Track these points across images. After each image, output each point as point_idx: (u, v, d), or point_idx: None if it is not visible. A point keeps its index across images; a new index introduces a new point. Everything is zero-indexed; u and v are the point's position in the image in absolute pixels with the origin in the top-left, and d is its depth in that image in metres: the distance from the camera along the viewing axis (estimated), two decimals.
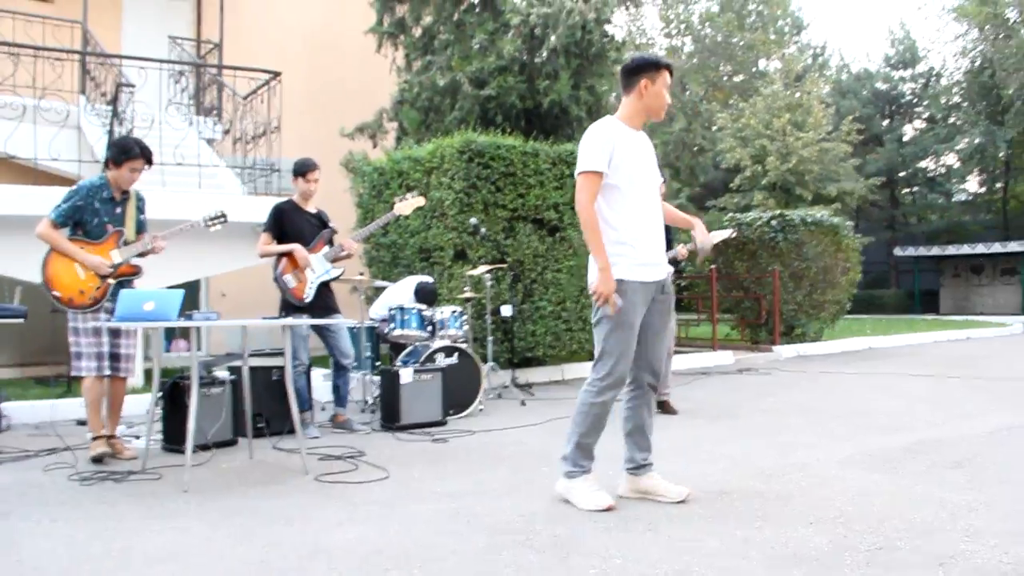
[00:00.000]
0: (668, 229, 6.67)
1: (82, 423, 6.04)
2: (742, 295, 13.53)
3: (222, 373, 5.73)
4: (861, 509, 3.70)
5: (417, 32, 12.15)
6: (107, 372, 4.97)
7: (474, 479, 4.45)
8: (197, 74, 11.43)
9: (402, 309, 6.97)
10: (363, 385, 7.21)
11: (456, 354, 6.78)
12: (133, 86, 8.93)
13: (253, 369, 5.98)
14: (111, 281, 4.95)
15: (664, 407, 6.67)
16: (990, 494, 3.94)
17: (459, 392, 6.68)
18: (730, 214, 14.11)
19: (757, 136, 22.32)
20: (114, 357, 5.05)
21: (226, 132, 10.88)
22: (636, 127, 3.95)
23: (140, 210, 5.17)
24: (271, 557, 3.15)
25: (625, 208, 3.81)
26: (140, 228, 5.14)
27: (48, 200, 6.70)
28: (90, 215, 4.90)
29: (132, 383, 6.13)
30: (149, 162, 5.06)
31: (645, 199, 3.88)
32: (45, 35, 11.17)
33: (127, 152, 4.94)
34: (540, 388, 8.56)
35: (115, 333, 4.98)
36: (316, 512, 3.82)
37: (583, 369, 9.79)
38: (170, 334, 10.97)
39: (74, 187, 4.93)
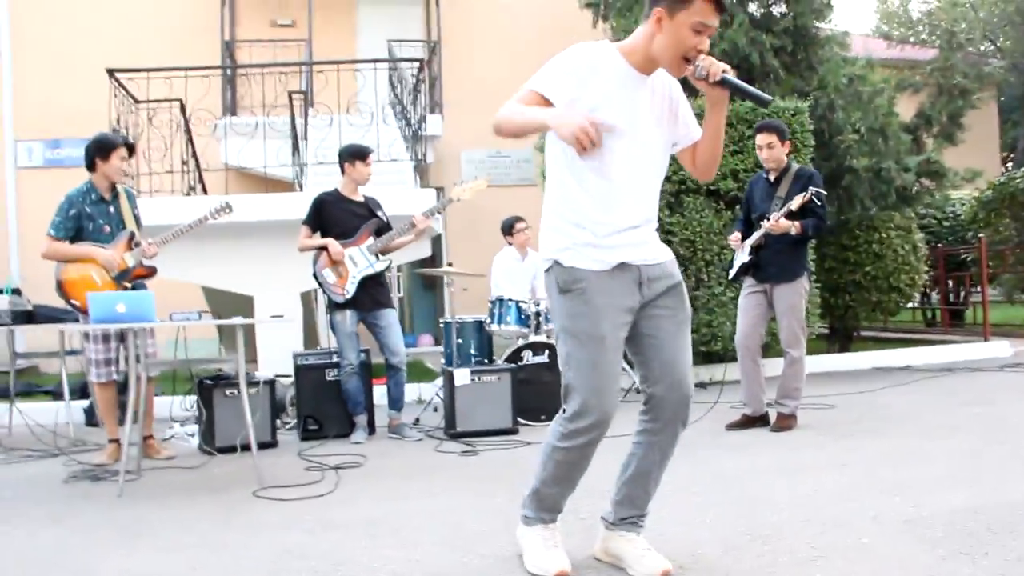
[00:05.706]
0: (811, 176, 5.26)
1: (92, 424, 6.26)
2: None
3: (260, 373, 5.53)
4: None
5: None
6: (115, 377, 4.95)
7: (421, 503, 3.75)
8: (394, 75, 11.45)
9: (500, 301, 6.32)
10: None
11: (547, 351, 5.98)
12: (304, 92, 9.25)
13: (307, 369, 5.79)
14: (127, 284, 4.92)
15: (781, 422, 5.31)
16: None
17: (549, 395, 5.86)
18: None
19: None
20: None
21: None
22: (644, 71, 2.59)
23: (133, 205, 5.10)
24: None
25: (594, 173, 2.59)
26: (138, 224, 5.09)
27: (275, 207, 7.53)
28: (86, 220, 4.87)
29: None
30: (131, 151, 5.02)
31: (628, 165, 2.60)
32: (277, 55, 12.00)
33: (111, 143, 4.91)
34: (726, 387, 6.63)
35: (124, 336, 4.92)
36: (194, 529, 3.45)
37: (776, 365, 7.97)
38: None
39: (63, 200, 4.91)
